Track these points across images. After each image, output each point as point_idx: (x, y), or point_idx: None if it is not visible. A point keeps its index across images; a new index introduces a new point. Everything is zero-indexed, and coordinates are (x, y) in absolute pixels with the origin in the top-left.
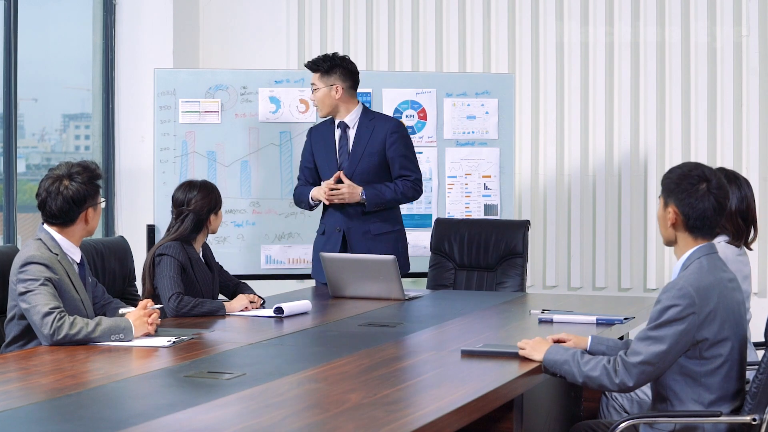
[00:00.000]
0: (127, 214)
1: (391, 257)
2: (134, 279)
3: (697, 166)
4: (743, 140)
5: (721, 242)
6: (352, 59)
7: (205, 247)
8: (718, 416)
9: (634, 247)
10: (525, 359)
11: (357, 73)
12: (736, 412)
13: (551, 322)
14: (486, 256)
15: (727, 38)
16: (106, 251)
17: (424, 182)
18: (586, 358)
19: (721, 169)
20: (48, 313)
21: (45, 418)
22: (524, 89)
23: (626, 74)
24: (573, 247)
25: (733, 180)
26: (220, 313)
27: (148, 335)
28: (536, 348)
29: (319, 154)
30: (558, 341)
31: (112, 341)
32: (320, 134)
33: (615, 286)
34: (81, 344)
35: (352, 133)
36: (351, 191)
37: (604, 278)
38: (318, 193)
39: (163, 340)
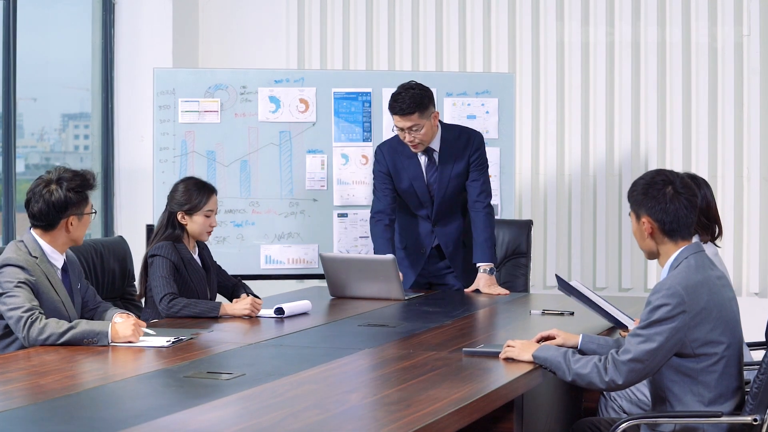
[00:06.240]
0: (127, 214)
1: (390, 257)
2: (134, 279)
3: (659, 172)
4: (744, 140)
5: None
6: (352, 59)
7: (203, 247)
8: (719, 416)
9: (634, 247)
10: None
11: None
12: (736, 410)
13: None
14: None
15: (727, 38)
16: (105, 251)
17: None
18: (578, 356)
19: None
20: (19, 318)
21: (45, 418)
22: (524, 89)
23: (627, 74)
24: (573, 247)
25: (692, 181)
26: (212, 314)
27: (129, 342)
28: (525, 348)
29: (401, 178)
30: (547, 338)
31: (84, 344)
32: (399, 156)
33: (615, 286)
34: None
35: (437, 157)
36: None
37: (604, 278)
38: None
39: (162, 340)
